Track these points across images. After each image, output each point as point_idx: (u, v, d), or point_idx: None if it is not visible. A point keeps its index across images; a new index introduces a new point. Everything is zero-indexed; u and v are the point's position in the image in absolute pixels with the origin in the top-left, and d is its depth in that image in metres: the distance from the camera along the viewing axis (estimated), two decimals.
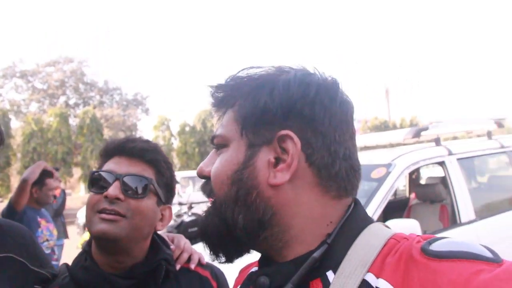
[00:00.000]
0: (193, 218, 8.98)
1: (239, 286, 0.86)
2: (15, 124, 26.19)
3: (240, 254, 0.75)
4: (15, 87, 31.24)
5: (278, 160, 0.70)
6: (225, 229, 0.71)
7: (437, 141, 4.29)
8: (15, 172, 21.95)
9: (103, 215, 1.13)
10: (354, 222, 0.70)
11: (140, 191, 1.18)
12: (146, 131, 32.61)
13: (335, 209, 0.71)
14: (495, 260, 0.57)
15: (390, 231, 0.69)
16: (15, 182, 21.40)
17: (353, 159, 0.73)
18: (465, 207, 3.84)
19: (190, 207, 9.62)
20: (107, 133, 26.37)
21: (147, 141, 1.28)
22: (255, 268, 0.84)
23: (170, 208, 1.32)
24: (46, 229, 4.05)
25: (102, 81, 33.96)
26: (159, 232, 1.33)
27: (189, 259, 1.33)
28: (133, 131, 31.75)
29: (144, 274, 1.18)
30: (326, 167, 0.69)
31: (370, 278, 0.62)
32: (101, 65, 62.71)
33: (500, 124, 4.80)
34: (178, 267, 1.28)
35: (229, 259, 0.75)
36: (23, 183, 3.58)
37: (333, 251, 0.67)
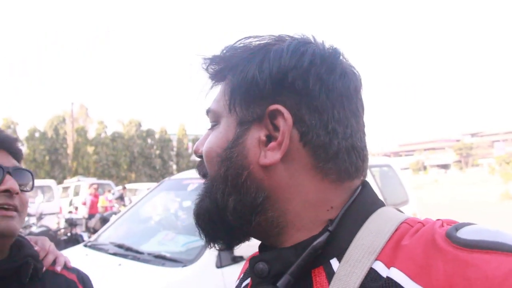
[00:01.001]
0: (42, 229, 8.52)
1: (243, 274, 0.80)
2: None
3: (237, 240, 0.70)
4: None
5: (270, 139, 0.64)
6: (216, 211, 0.67)
7: None
8: None
9: (4, 212, 1.09)
10: (361, 206, 0.64)
11: (29, 184, 1.19)
12: None
13: (336, 194, 0.64)
14: None
15: (402, 215, 0.62)
16: None
17: (356, 138, 0.66)
18: None
19: (40, 218, 9.09)
20: None
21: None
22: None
23: None
24: None
25: None
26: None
27: (54, 262, 1.28)
28: None
29: (8, 272, 1.11)
30: (323, 147, 0.63)
31: (379, 266, 0.56)
32: None
33: None
34: (43, 269, 1.22)
35: (228, 246, 0.71)
36: None
37: (338, 237, 0.61)
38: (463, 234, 0.52)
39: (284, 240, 0.65)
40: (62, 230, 9.32)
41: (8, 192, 1.10)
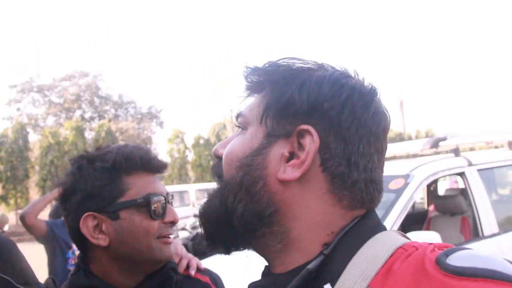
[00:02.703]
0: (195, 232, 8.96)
1: None
2: (33, 138, 26.51)
3: (237, 246, 0.71)
4: (33, 101, 31.88)
5: (292, 156, 0.65)
6: (224, 213, 0.67)
7: (456, 152, 4.18)
8: (33, 184, 22.16)
9: (167, 240, 1.13)
10: (359, 232, 0.63)
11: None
12: (161, 144, 32.82)
13: (341, 219, 0.65)
14: None
15: (400, 240, 0.62)
16: (33, 194, 21.68)
17: (375, 173, 0.67)
18: (487, 220, 3.73)
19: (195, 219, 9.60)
20: None
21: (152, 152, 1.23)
22: None
23: None
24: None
25: (117, 94, 34.46)
26: None
27: (187, 266, 1.30)
28: (148, 144, 31.94)
29: (155, 286, 1.15)
30: (341, 176, 0.64)
31: None
32: (115, 79, 63.52)
33: None
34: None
35: (226, 250, 0.71)
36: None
37: (332, 262, 0.61)
38: (453, 260, 0.52)
39: (284, 260, 0.66)
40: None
41: (172, 223, 1.14)
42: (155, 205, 1.12)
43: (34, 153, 22.77)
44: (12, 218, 18.89)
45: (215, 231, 0.70)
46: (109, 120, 28.25)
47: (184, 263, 1.30)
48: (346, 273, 0.58)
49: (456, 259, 0.52)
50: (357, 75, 0.69)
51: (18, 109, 31.53)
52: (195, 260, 1.33)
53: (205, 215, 0.70)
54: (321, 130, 0.64)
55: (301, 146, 0.65)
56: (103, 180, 1.10)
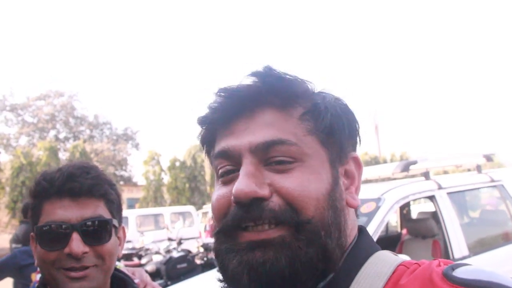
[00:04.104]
0: (182, 254, 8.83)
1: None
2: (4, 158, 25.91)
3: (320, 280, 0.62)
4: (5, 120, 31.15)
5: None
6: (323, 259, 0.60)
7: (426, 175, 4.25)
8: (3, 206, 21.51)
9: (72, 274, 1.03)
10: (360, 250, 0.65)
11: (104, 236, 1.08)
12: (136, 165, 32.43)
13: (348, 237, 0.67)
14: None
15: (398, 258, 0.64)
16: (3, 216, 21.06)
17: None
18: (457, 243, 3.77)
19: (180, 243, 9.48)
20: None
21: (87, 171, 1.11)
22: None
23: (123, 228, 1.22)
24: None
25: (92, 115, 34.12)
26: (121, 268, 1.30)
27: None
28: (123, 165, 31.52)
29: None
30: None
31: None
32: (91, 99, 62.90)
33: (489, 158, 4.78)
34: None
35: None
36: None
37: (339, 280, 0.61)
38: (459, 273, 0.54)
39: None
40: (200, 255, 9.63)
41: (71, 256, 1.03)
42: (39, 233, 1.06)
43: (5, 174, 22.18)
44: None
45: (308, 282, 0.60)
46: (84, 141, 27.77)
47: None
48: None
49: (463, 273, 0.54)
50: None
51: None
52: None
53: (295, 271, 0.58)
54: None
55: (350, 173, 0.69)
56: (29, 203, 1.13)
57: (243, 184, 0.60)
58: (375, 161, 29.40)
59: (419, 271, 0.57)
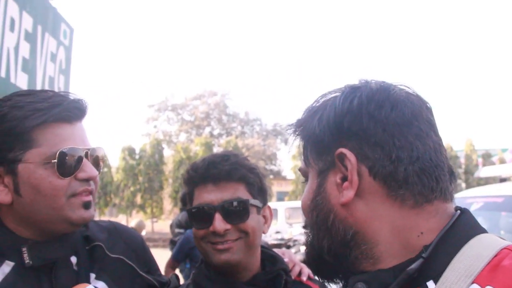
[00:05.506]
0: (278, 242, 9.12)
1: None
2: (167, 153, 28.36)
3: (347, 275, 0.75)
4: (167, 119, 34.26)
5: (344, 179, 0.73)
6: (317, 255, 0.77)
7: None
8: (167, 195, 23.62)
9: (219, 246, 1.22)
10: (458, 232, 0.68)
11: (243, 214, 1.24)
12: (286, 160, 33.04)
13: (421, 218, 0.69)
14: None
15: (503, 242, 0.66)
16: (167, 204, 23.20)
17: (424, 160, 0.71)
18: None
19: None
20: None
21: (226, 158, 1.27)
22: None
23: (269, 207, 1.37)
24: None
25: (243, 112, 35.57)
26: (274, 249, 1.45)
27: (299, 273, 1.40)
28: (272, 160, 32.34)
29: (265, 283, 1.28)
30: (391, 175, 0.69)
31: None
32: (242, 97, 66.11)
33: None
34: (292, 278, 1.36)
35: (345, 283, 0.77)
36: None
37: (434, 261, 0.65)
38: None
39: (381, 266, 0.70)
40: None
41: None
42: (198, 216, 1.25)
43: (168, 167, 24.27)
44: (148, 225, 20.16)
45: (323, 272, 0.81)
46: (236, 137, 29.18)
47: (296, 269, 1.39)
48: (449, 270, 0.63)
49: None
50: (367, 81, 0.77)
51: (155, 127, 34.20)
52: (306, 269, 1.40)
53: (309, 264, 0.85)
54: (354, 146, 0.72)
55: (346, 168, 0.72)
56: (185, 192, 1.28)
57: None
58: None
59: None
